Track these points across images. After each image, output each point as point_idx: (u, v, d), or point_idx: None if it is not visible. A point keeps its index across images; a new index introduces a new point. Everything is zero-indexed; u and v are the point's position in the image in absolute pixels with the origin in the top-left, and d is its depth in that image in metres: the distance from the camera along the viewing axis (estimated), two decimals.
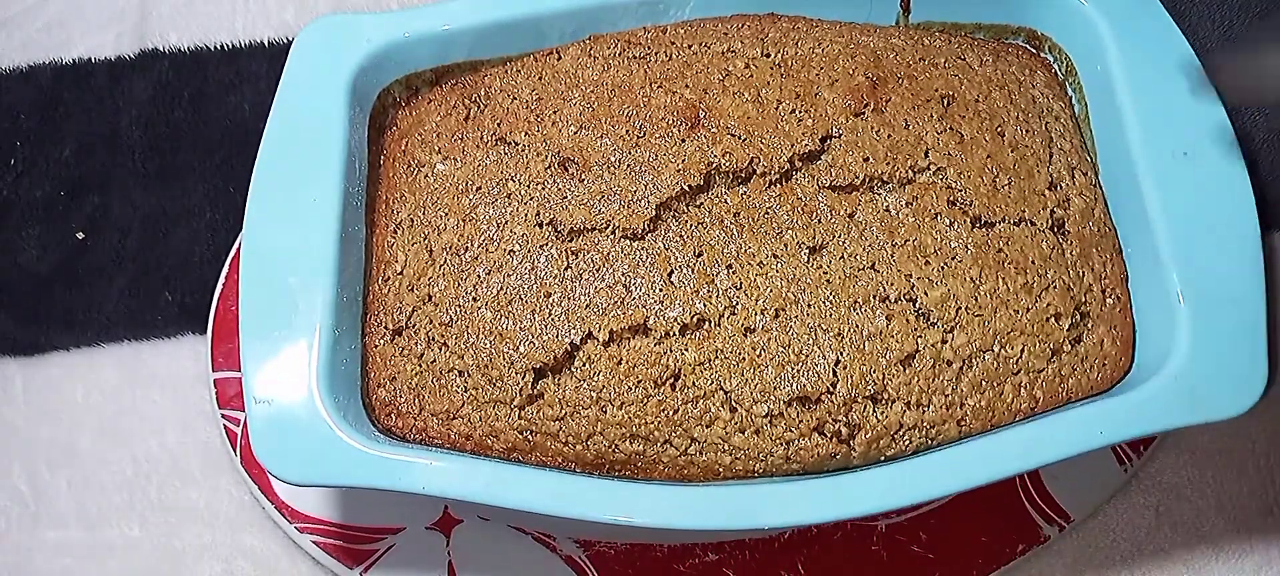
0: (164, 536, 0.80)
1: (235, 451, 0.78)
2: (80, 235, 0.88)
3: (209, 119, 0.90)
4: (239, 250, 0.82)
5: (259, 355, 0.62)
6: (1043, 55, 0.75)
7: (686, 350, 0.64)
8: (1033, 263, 0.66)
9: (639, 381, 0.64)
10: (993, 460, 0.62)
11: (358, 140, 0.69)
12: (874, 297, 0.65)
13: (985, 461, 0.62)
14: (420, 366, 0.66)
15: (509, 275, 0.66)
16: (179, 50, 0.92)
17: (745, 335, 0.64)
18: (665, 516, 0.61)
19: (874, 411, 0.64)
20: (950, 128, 0.69)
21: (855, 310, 0.65)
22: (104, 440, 0.82)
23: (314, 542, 0.76)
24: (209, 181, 0.88)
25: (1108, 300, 0.67)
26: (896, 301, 0.65)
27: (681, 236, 0.66)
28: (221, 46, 0.92)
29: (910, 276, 0.65)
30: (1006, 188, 0.68)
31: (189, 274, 0.86)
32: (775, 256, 0.66)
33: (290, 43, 0.72)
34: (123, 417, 0.83)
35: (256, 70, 0.91)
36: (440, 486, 0.60)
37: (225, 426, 0.79)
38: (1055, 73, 0.74)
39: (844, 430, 0.63)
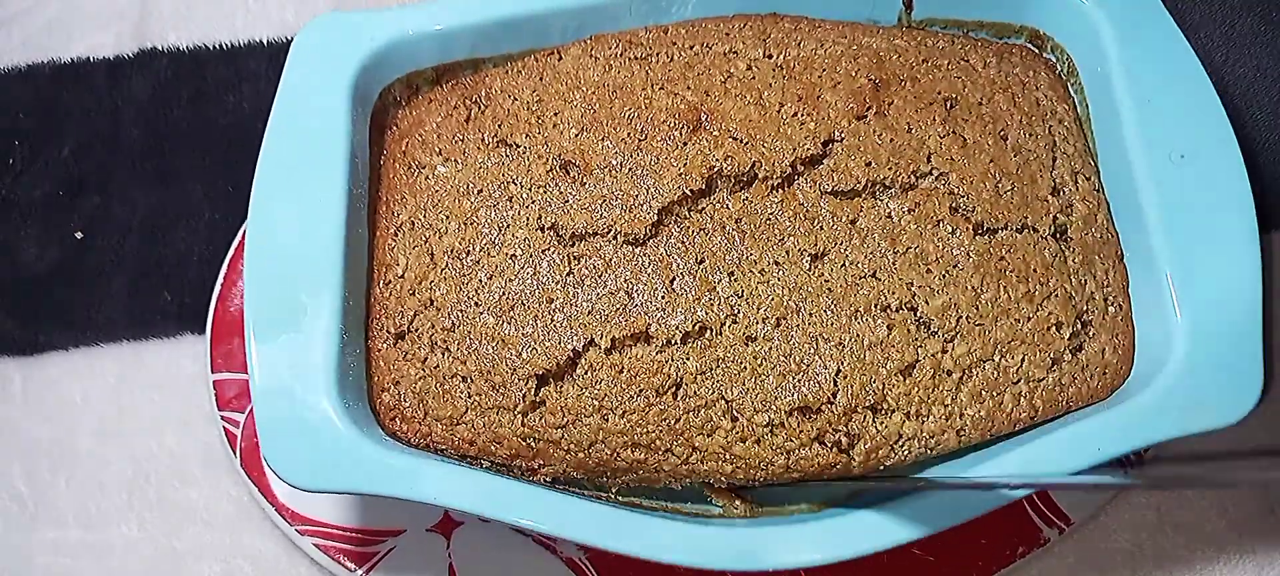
0: (164, 536, 0.80)
1: (235, 453, 0.78)
2: (79, 235, 0.87)
3: (209, 118, 0.90)
4: (238, 249, 0.82)
5: (268, 360, 0.62)
6: (1045, 55, 0.75)
7: (688, 359, 0.64)
8: (1034, 271, 0.66)
9: (641, 390, 0.64)
10: (996, 491, 0.63)
11: (360, 140, 0.69)
12: (875, 306, 0.65)
13: (990, 493, 0.63)
14: (423, 371, 0.66)
15: (511, 280, 0.66)
16: (179, 50, 0.91)
17: (747, 344, 0.64)
18: (672, 553, 0.61)
19: (874, 421, 0.64)
20: (953, 131, 0.69)
21: (856, 319, 0.64)
22: (104, 440, 0.82)
23: (314, 544, 0.76)
24: (209, 181, 0.88)
25: (1109, 308, 0.67)
26: (897, 310, 0.65)
27: (683, 242, 0.66)
28: (221, 46, 0.92)
29: (911, 284, 0.65)
30: (1009, 193, 0.68)
31: (188, 274, 0.86)
32: (777, 264, 0.65)
33: (290, 42, 0.71)
34: (122, 417, 0.83)
35: (256, 70, 0.91)
36: (454, 498, 0.60)
37: (224, 428, 0.79)
38: (1058, 73, 0.74)
39: (844, 440, 0.63)
